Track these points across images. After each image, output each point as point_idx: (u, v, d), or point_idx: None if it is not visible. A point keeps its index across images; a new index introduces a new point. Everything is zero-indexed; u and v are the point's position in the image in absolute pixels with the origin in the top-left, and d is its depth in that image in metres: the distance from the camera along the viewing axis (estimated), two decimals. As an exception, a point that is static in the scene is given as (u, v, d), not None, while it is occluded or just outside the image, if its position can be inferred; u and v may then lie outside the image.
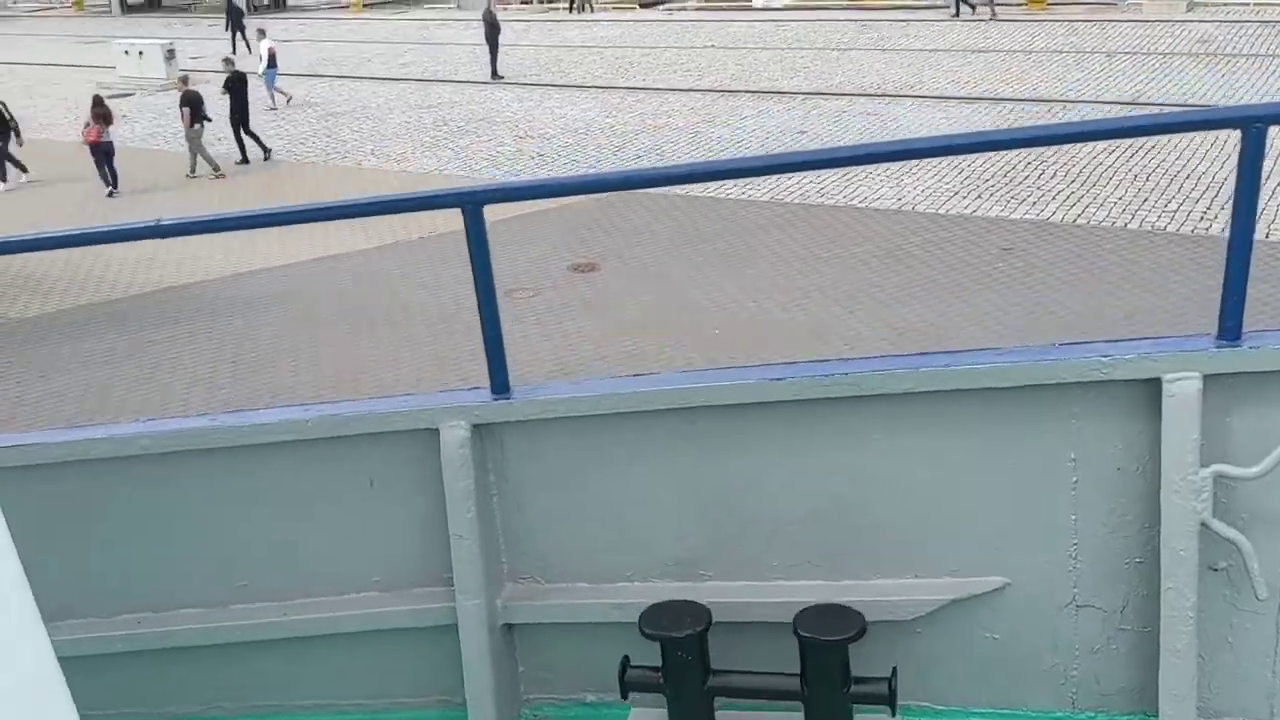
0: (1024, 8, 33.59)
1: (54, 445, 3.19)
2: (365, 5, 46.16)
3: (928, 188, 16.28)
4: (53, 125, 24.74)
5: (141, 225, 3.28)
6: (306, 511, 3.19)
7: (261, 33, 26.39)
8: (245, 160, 20.70)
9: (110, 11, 48.69)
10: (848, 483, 2.98)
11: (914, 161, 17.78)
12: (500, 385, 3.11)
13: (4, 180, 19.16)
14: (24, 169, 19.38)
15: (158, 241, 16.03)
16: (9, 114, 19.45)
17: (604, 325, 12.12)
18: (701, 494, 3.05)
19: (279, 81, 25.37)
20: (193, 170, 19.84)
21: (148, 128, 23.10)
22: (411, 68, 30.47)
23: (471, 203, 3.01)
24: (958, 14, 32.66)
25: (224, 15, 37.36)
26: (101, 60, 31.66)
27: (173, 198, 18.51)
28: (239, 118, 20.68)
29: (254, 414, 3.24)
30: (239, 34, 34.23)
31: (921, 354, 2.91)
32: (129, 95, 27.29)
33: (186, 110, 19.61)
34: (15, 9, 52.09)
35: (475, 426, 3.07)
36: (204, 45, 32.83)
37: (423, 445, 3.09)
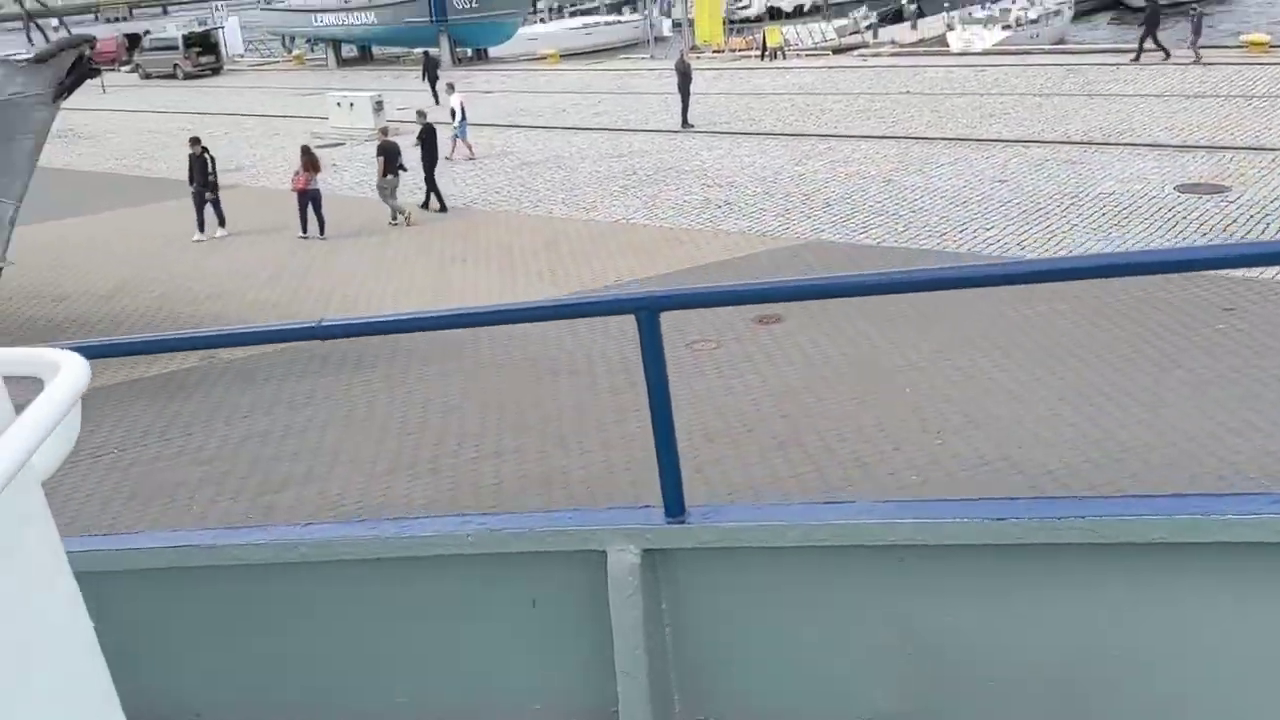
0: (1245, 50, 31.63)
1: (213, 548, 3.13)
2: (563, 57, 47.51)
3: (1139, 237, 15.35)
4: (271, 173, 26.34)
5: (302, 326, 3.22)
6: (466, 629, 3.03)
7: (450, 87, 27.46)
8: (443, 209, 21.45)
9: (327, 65, 51.74)
10: (1078, 644, 2.55)
11: (1124, 208, 16.84)
12: (675, 508, 2.83)
13: (202, 230, 20.12)
14: (222, 222, 20.29)
15: (359, 283, 16.83)
16: (212, 167, 20.41)
17: (786, 380, 11.83)
18: (905, 642, 2.69)
19: (469, 134, 26.17)
20: (394, 218, 20.65)
21: (356, 176, 24.24)
22: (604, 117, 31.06)
23: (648, 309, 2.77)
24: (1138, 59, 31.10)
25: (422, 68, 39.17)
26: (316, 111, 33.58)
27: (370, 243, 19.32)
28: (429, 168, 21.50)
29: (413, 523, 3.11)
30: (435, 86, 35.79)
31: (1176, 495, 2.46)
32: (339, 145, 28.78)
33: (382, 160, 20.46)
34: (241, 63, 56.01)
35: (646, 551, 2.80)
36: (411, 97, 34.31)
37: (589, 568, 2.85)
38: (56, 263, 18.85)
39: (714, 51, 43.81)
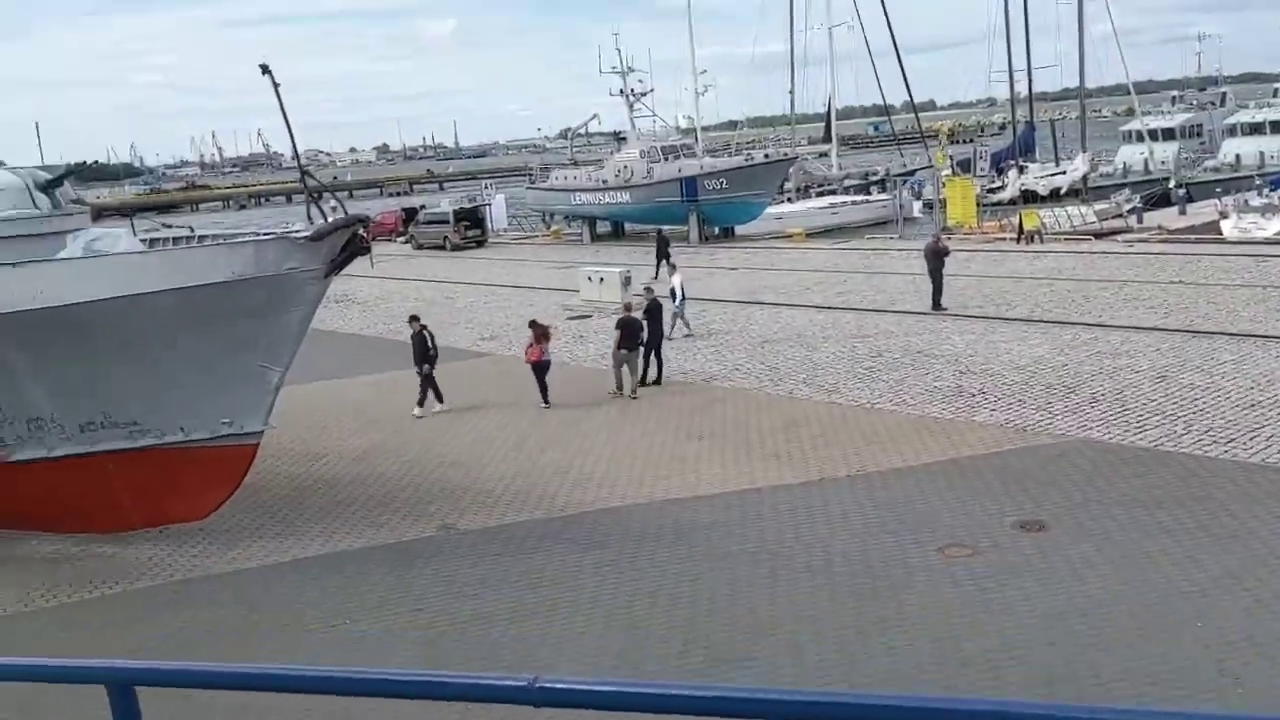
0: None
1: None
2: (808, 235, 47.82)
3: None
4: (523, 342, 27.09)
5: (512, 685, 2.92)
6: None
7: (672, 267, 27.83)
8: (658, 381, 21.44)
9: (582, 240, 54.17)
10: None
11: None
12: None
13: (421, 405, 20.49)
14: (441, 398, 20.64)
15: (597, 458, 16.70)
16: (433, 343, 20.89)
17: (1054, 599, 10.56)
18: None
19: (687, 312, 26.16)
20: (618, 388, 20.68)
21: (600, 348, 24.62)
22: (850, 296, 30.62)
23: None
24: None
25: (654, 245, 40.17)
26: (569, 284, 34.83)
27: (609, 415, 19.29)
28: (654, 342, 21.59)
29: None
30: (663, 262, 36.59)
31: None
32: (588, 317, 29.54)
33: (619, 332, 20.72)
34: (504, 237, 59.46)
35: None
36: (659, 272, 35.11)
37: None
38: (316, 423, 19.79)
39: (966, 233, 42.92)
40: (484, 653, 10.42)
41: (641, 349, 21.14)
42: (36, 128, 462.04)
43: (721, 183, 48.39)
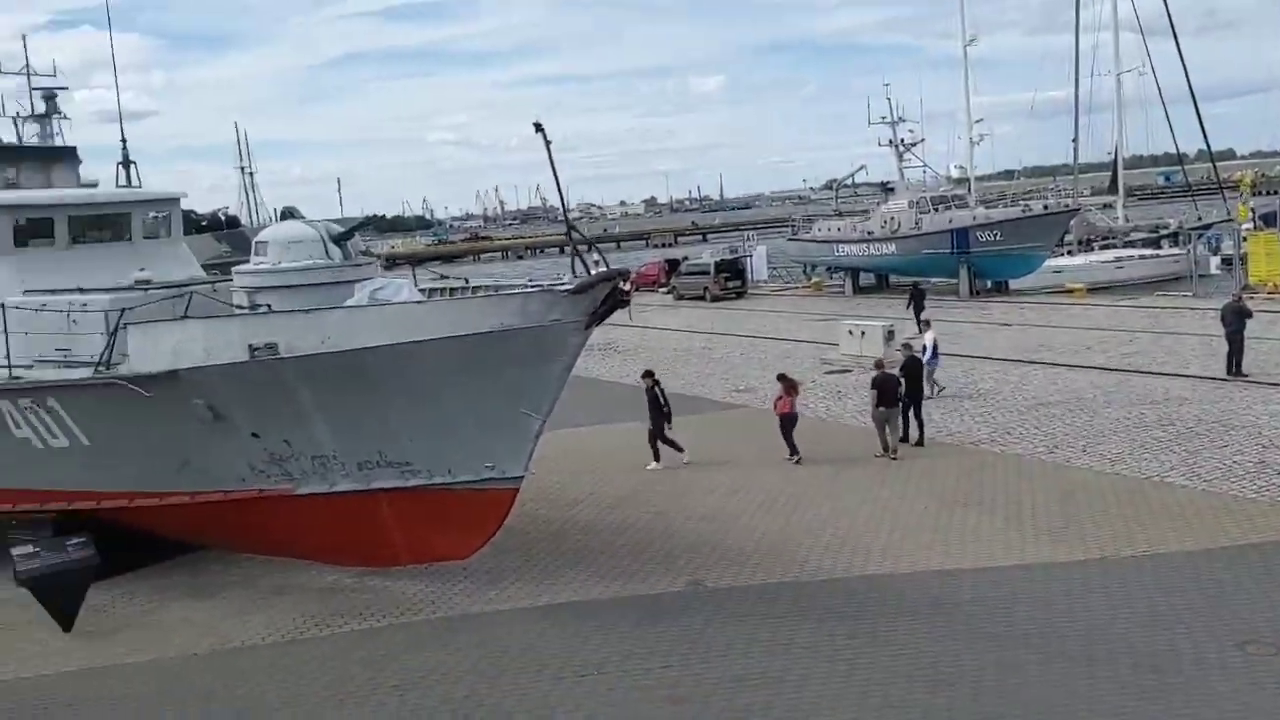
0: None
1: None
2: (1090, 290, 45.05)
3: None
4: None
5: None
6: None
7: (926, 324, 26.71)
8: (920, 442, 20.57)
9: (844, 292, 53.33)
10: None
11: None
12: None
13: (658, 460, 20.31)
14: (680, 449, 20.43)
15: (852, 519, 16.09)
16: (664, 398, 20.68)
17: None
18: None
19: (938, 373, 24.90)
20: (882, 450, 19.93)
21: (859, 404, 23.90)
22: (1136, 358, 28.45)
23: None
24: None
25: (908, 298, 38.84)
26: (828, 337, 34.23)
27: (866, 475, 18.58)
28: (914, 400, 20.77)
29: None
30: (918, 316, 35.31)
31: None
32: (848, 372, 28.85)
33: (875, 392, 20.07)
34: (763, 288, 59.40)
35: None
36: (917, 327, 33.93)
37: None
38: (573, 468, 20.15)
39: (1269, 292, 39.16)
40: (731, 719, 10.09)
41: (900, 406, 20.40)
42: (338, 183, 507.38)
43: (996, 234, 46.50)
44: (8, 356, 15.13)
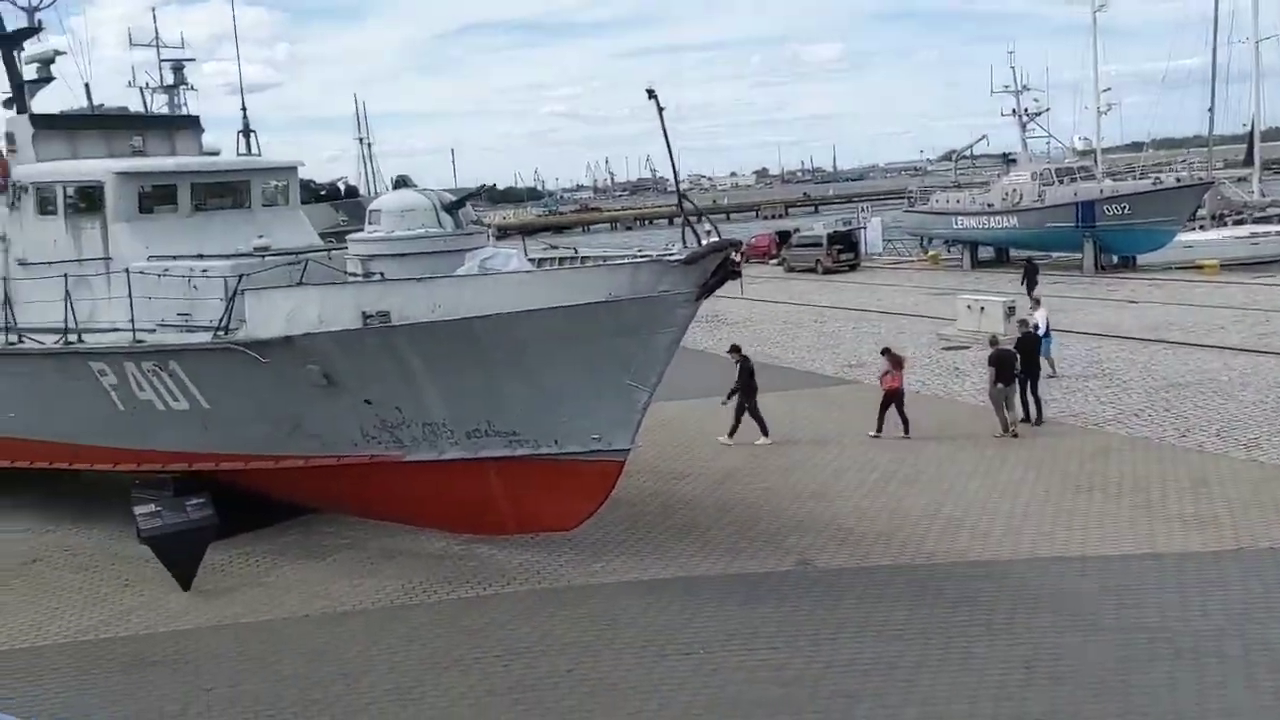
0: None
1: None
2: (1223, 267, 42.95)
3: None
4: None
5: None
6: None
7: (1036, 302, 25.69)
8: (1039, 421, 19.89)
9: (961, 266, 51.87)
10: None
11: None
12: None
13: (766, 435, 19.86)
14: (765, 431, 19.89)
15: (969, 501, 15.54)
16: (750, 375, 20.04)
17: None
18: None
19: (1053, 350, 23.85)
20: (1003, 429, 19.26)
21: (977, 382, 23.15)
22: (1272, 339, 26.98)
23: None
24: None
25: (1022, 273, 37.54)
26: (945, 312, 33.29)
27: (982, 455, 17.96)
28: (1029, 378, 20.06)
29: None
30: (1031, 292, 34.14)
31: None
32: (965, 348, 28.00)
33: (993, 369, 19.41)
34: (877, 261, 58.19)
35: None
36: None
37: None
38: (680, 441, 19.95)
39: None
40: (841, 706, 9.79)
41: (1017, 383, 19.70)
42: (451, 153, 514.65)
43: (1124, 208, 44.61)
44: (132, 320, 15.53)
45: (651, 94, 12.12)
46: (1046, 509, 15.16)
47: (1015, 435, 19.14)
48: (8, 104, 19.04)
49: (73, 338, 16.16)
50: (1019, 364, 19.85)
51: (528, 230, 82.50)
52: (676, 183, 13.46)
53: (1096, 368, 24.82)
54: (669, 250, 13.78)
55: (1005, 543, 13.94)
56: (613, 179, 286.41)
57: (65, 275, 16.12)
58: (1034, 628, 11.26)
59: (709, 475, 18.04)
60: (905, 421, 19.68)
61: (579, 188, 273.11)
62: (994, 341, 20.92)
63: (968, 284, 42.44)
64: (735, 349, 20.89)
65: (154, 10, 20.40)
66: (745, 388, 20.06)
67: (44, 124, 18.44)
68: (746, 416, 19.98)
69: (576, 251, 17.55)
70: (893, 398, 19.80)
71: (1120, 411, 20.67)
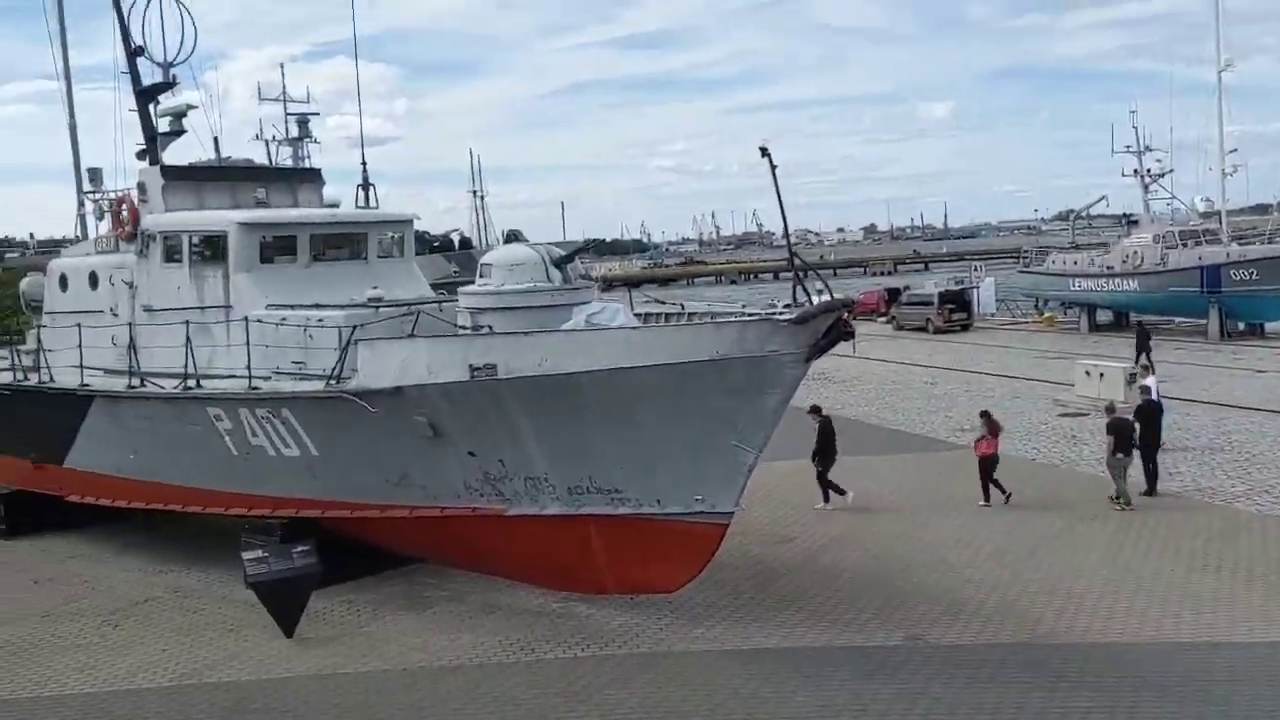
0: None
1: None
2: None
3: None
4: (1006, 437, 25.26)
5: None
6: None
7: (1147, 368, 24.57)
8: (1150, 492, 19.04)
9: (1079, 329, 50.33)
10: None
11: None
12: None
13: (826, 501, 19.40)
14: (841, 491, 19.40)
15: (1090, 577, 14.79)
16: (830, 437, 19.57)
17: None
18: None
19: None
20: (1116, 499, 18.44)
21: (1095, 451, 22.22)
22: None
23: None
24: None
25: (1134, 338, 36.29)
26: (1062, 377, 32.23)
27: (1104, 529, 17.15)
28: (1150, 447, 19.26)
29: None
30: (1143, 356, 32.83)
31: None
32: (1083, 415, 27.00)
33: (1111, 438, 18.68)
34: (990, 321, 56.83)
35: None
36: (1163, 370, 31.53)
37: None
38: (786, 504, 19.52)
39: None
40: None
41: (1136, 453, 18.90)
42: (562, 206, 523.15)
43: (1251, 273, 42.87)
44: (249, 367, 15.88)
45: (765, 151, 11.99)
46: (1173, 590, 14.36)
47: (1131, 507, 18.30)
48: (140, 155, 19.82)
49: (191, 383, 16.58)
50: (1137, 433, 19.04)
51: (632, 282, 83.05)
52: (788, 239, 13.24)
53: (1223, 439, 23.66)
54: (776, 308, 13.53)
55: (1129, 623, 13.22)
56: (718, 232, 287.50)
57: (187, 322, 16.59)
58: (1162, 715, 10.58)
59: (815, 540, 17.58)
60: (995, 489, 19.06)
61: (684, 240, 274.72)
62: (1111, 409, 20.11)
63: (1085, 348, 41.10)
64: (816, 409, 20.42)
65: (282, 65, 21.06)
66: (823, 450, 19.60)
67: (173, 175, 19.15)
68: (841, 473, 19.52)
69: (683, 307, 17.41)
70: (988, 464, 19.16)
71: (1250, 487, 19.60)
